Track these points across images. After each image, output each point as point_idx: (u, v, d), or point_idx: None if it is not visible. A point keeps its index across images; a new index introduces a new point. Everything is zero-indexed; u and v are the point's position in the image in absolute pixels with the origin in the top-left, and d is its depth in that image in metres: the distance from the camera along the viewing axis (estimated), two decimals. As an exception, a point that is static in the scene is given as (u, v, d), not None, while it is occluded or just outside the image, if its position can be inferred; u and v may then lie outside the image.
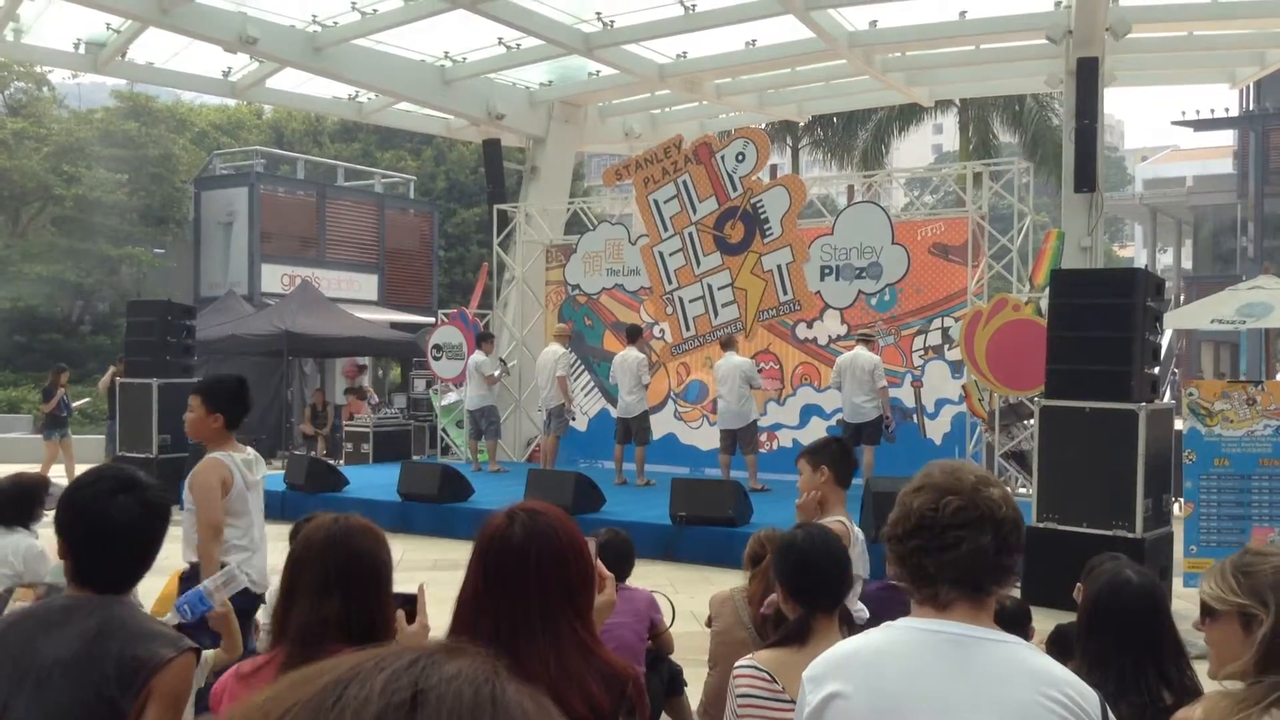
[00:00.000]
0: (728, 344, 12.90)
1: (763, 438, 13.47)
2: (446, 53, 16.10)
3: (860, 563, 4.48)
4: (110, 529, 2.39)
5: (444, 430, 17.24)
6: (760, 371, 13.17)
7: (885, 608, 3.31)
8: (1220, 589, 2.25)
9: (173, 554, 5.17)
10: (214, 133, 33.32)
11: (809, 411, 14.07)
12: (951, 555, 1.87)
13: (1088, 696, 1.85)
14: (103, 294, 27.48)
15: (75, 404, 16.95)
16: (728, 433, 12.63)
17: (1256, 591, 2.19)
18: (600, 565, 2.42)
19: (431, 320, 20.29)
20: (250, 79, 16.46)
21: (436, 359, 16.33)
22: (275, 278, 24.48)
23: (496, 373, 14.77)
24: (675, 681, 5.18)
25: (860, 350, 11.99)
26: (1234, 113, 38.00)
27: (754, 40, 15.02)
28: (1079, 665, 2.98)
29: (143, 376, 14.01)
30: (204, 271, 25.06)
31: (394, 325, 24.05)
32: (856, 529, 4.50)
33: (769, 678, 2.75)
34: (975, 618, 1.90)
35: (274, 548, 4.72)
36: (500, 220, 16.81)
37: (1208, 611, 2.29)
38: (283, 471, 13.79)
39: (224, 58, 15.67)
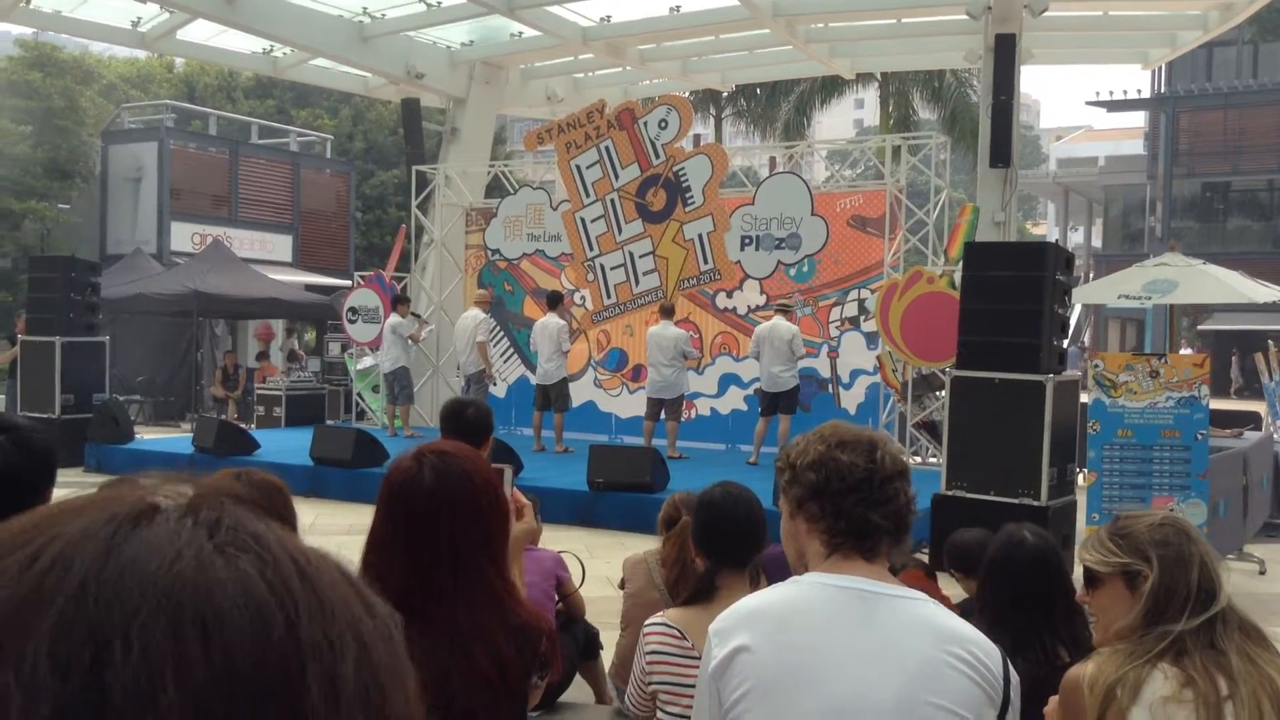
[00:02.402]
0: (667, 312, 12.86)
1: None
2: (365, 8, 15.75)
3: None
4: None
5: (359, 395, 17.02)
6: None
7: (780, 571, 3.33)
8: (1101, 553, 2.32)
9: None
10: (123, 85, 32.27)
11: (727, 380, 14.16)
12: (892, 507, 1.92)
13: (991, 654, 1.88)
14: (4, 249, 26.53)
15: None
16: (657, 401, 12.67)
17: (1138, 549, 2.27)
18: (518, 494, 2.36)
19: (347, 283, 19.96)
20: (161, 30, 15.95)
21: (352, 322, 16.07)
22: (185, 236, 23.88)
23: (419, 331, 14.68)
24: (591, 644, 5.19)
25: (779, 320, 12.08)
26: (1146, 94, 38.90)
27: (678, 6, 14.96)
28: (978, 624, 3.04)
29: (45, 334, 13.62)
30: (111, 228, 24.35)
31: (308, 287, 23.62)
32: None
33: (679, 634, 2.76)
34: (881, 574, 1.93)
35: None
36: (419, 182, 16.57)
37: (1091, 579, 2.36)
38: (191, 434, 13.52)
39: (133, 7, 15.15)
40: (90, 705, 0.44)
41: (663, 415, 12.73)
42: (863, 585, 1.89)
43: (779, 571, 3.37)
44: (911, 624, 1.87)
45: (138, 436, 14.16)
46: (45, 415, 13.26)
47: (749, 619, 1.93)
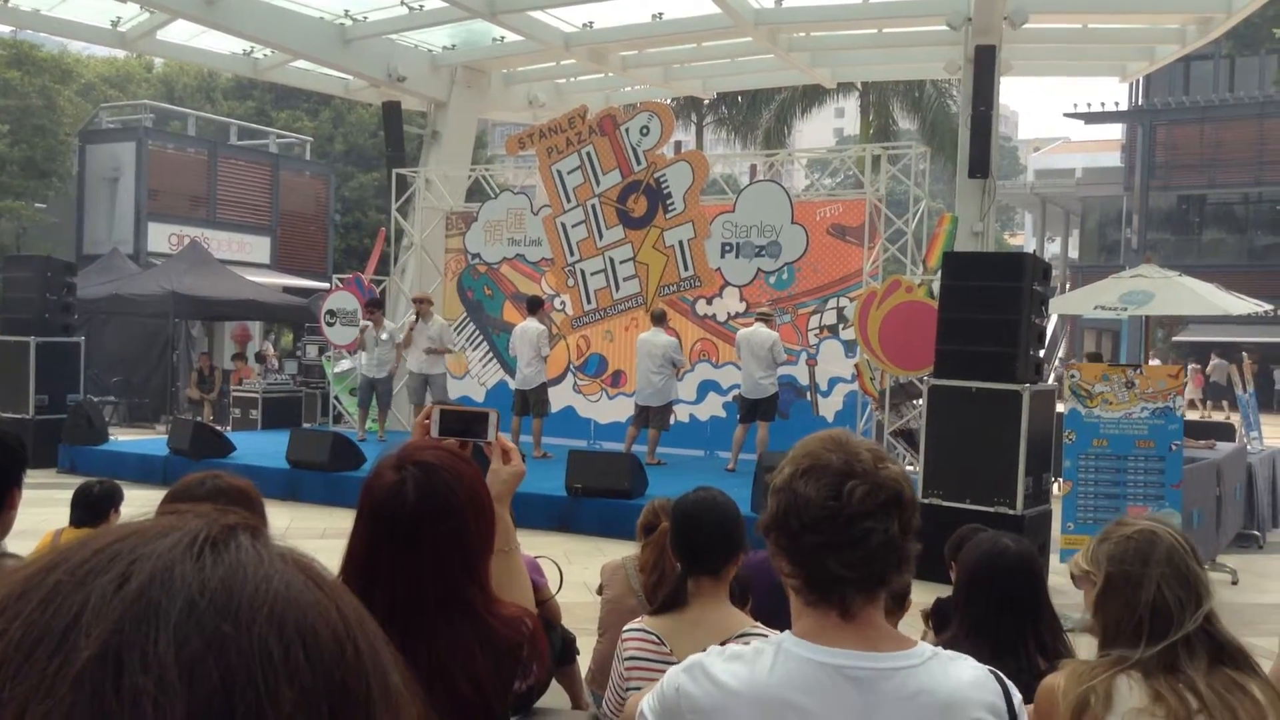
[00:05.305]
0: (658, 319, 12.75)
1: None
2: (347, 11, 15.70)
3: None
4: None
5: (336, 398, 16.93)
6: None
7: (762, 577, 3.31)
8: (1080, 555, 2.35)
9: (50, 518, 5.01)
10: (101, 85, 32.12)
11: (706, 387, 14.17)
12: (862, 551, 1.58)
13: (995, 706, 1.65)
14: (-21, 248, 26.36)
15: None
16: (644, 408, 12.64)
17: (1096, 558, 2.28)
18: (503, 438, 2.32)
19: (326, 285, 19.88)
20: (140, 30, 15.85)
21: (330, 325, 16.00)
22: (162, 237, 23.77)
23: (360, 337, 14.37)
24: (568, 650, 5.18)
25: (759, 327, 12.09)
26: (1123, 107, 39.20)
27: (660, 13, 14.98)
28: (956, 632, 3.05)
29: (20, 334, 13.51)
30: (87, 228, 24.20)
31: (286, 290, 23.53)
32: None
33: (657, 640, 2.76)
34: (875, 619, 1.67)
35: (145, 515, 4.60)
36: (399, 185, 16.51)
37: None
38: (166, 436, 13.42)
39: (113, 7, 15.04)
40: (219, 706, 0.49)
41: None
42: (850, 661, 1.61)
43: (762, 577, 3.37)
44: (912, 705, 1.60)
45: (112, 438, 14.05)
46: (19, 416, 13.15)
47: (727, 708, 1.65)
